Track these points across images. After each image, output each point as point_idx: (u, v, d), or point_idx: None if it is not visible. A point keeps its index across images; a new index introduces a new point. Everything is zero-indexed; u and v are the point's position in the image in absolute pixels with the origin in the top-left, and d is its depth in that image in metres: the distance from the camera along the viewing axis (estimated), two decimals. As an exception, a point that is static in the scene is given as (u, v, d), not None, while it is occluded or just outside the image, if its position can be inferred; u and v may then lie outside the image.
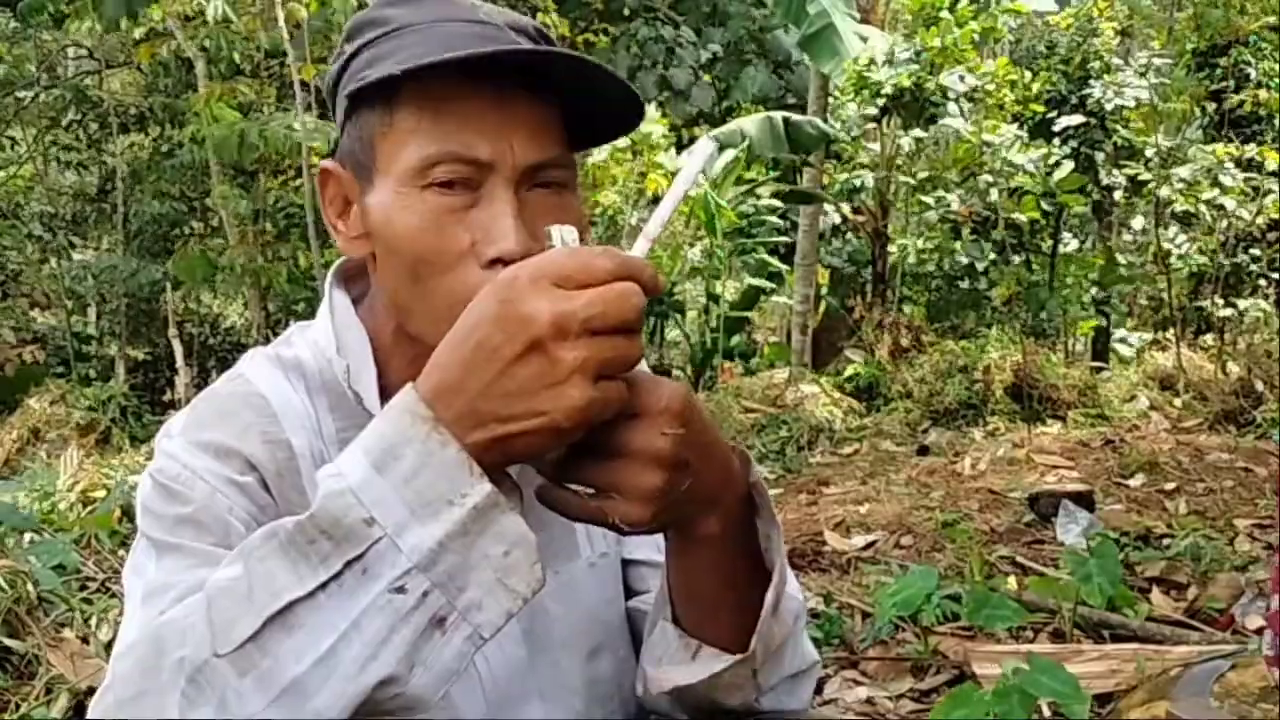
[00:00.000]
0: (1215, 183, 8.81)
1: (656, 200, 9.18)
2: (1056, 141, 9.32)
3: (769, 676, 1.02)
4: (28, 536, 3.30)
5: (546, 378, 0.74)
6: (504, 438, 0.76)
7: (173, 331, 9.00)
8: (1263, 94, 9.86)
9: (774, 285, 10.54)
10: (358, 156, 1.02)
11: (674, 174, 9.29)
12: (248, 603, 0.76)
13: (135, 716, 0.78)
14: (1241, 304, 9.37)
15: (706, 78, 12.73)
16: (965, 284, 10.58)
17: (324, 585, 0.75)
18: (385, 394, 1.07)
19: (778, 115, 9.59)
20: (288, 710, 0.75)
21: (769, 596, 0.96)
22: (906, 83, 8.74)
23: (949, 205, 9.51)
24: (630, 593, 1.20)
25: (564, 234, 0.83)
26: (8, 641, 2.66)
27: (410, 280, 0.99)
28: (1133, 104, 9.26)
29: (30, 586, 2.81)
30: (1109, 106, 9.26)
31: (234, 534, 0.96)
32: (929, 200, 9.60)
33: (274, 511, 1.00)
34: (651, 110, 9.53)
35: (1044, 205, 9.19)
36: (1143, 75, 9.34)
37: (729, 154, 9.03)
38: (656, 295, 0.79)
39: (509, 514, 0.77)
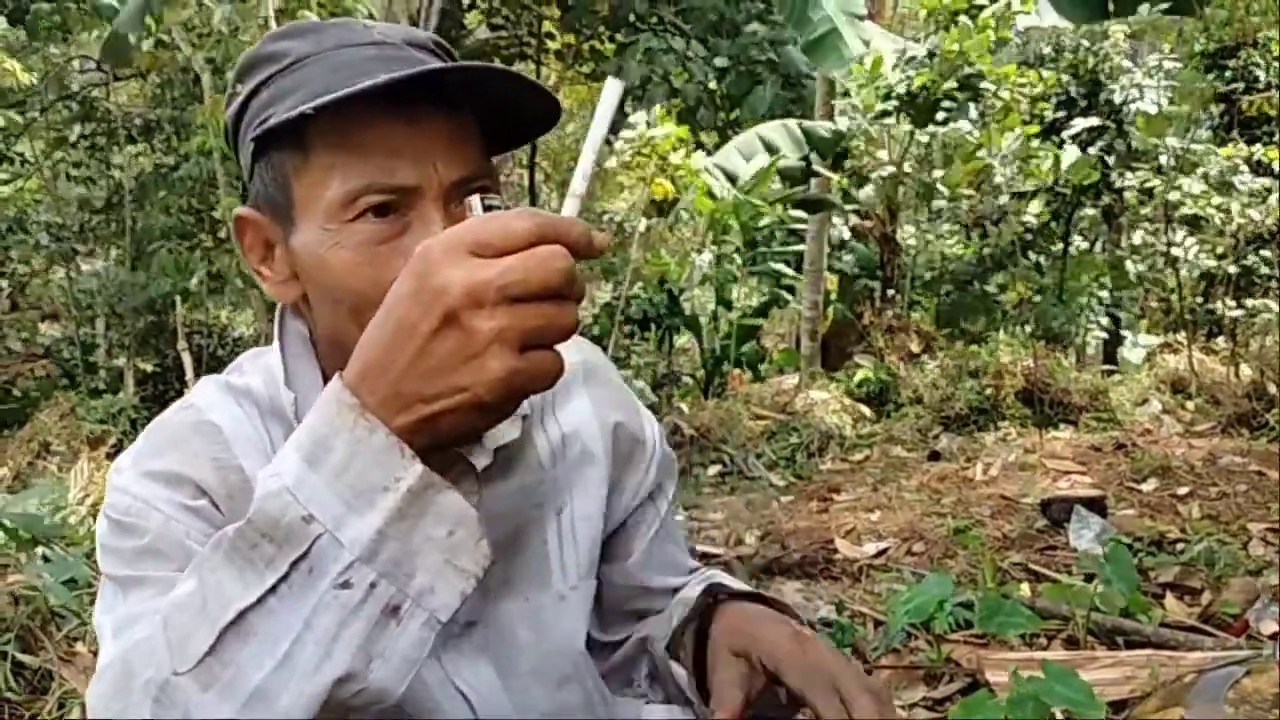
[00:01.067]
0: (1229, 187, 8.78)
1: (670, 205, 9.19)
2: (1067, 145, 9.29)
3: None
4: (40, 550, 3.31)
5: (464, 351, 0.71)
6: (429, 418, 0.74)
7: (182, 344, 9.03)
8: (1270, 97, 9.85)
9: (790, 297, 10.54)
10: (274, 198, 1.00)
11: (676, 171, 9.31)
12: (202, 616, 0.76)
13: None
14: (1252, 304, 9.34)
15: (713, 84, 12.72)
16: (975, 288, 10.57)
17: (273, 589, 0.75)
18: None
19: (792, 122, 9.60)
20: (256, 716, 0.75)
21: None
22: (921, 83, 8.70)
23: (958, 208, 9.49)
24: (633, 616, 1.24)
25: (484, 201, 0.81)
26: (21, 656, 2.66)
27: (351, 316, 0.97)
28: (1153, 109, 9.23)
29: (43, 601, 2.81)
30: (1130, 110, 9.23)
31: (194, 558, 0.94)
32: (938, 206, 9.59)
33: None
34: (658, 110, 9.53)
35: (1051, 199, 9.17)
36: (1152, 77, 9.32)
37: (759, 161, 9.02)
38: (590, 257, 0.75)
39: (446, 493, 0.75)
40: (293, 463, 0.75)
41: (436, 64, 0.98)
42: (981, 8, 8.80)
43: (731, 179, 9.07)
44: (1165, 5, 7.11)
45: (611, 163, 9.03)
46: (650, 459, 1.22)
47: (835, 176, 9.66)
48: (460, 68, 0.93)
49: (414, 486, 0.74)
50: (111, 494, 1.01)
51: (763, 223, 9.35)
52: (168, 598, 0.80)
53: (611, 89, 0.85)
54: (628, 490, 1.20)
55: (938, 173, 9.55)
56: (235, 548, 0.76)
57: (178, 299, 9.99)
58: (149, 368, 12.52)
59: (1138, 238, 9.88)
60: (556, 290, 0.72)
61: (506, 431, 1.10)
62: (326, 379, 1.05)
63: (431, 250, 0.73)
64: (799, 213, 9.43)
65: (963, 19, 8.81)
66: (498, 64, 0.99)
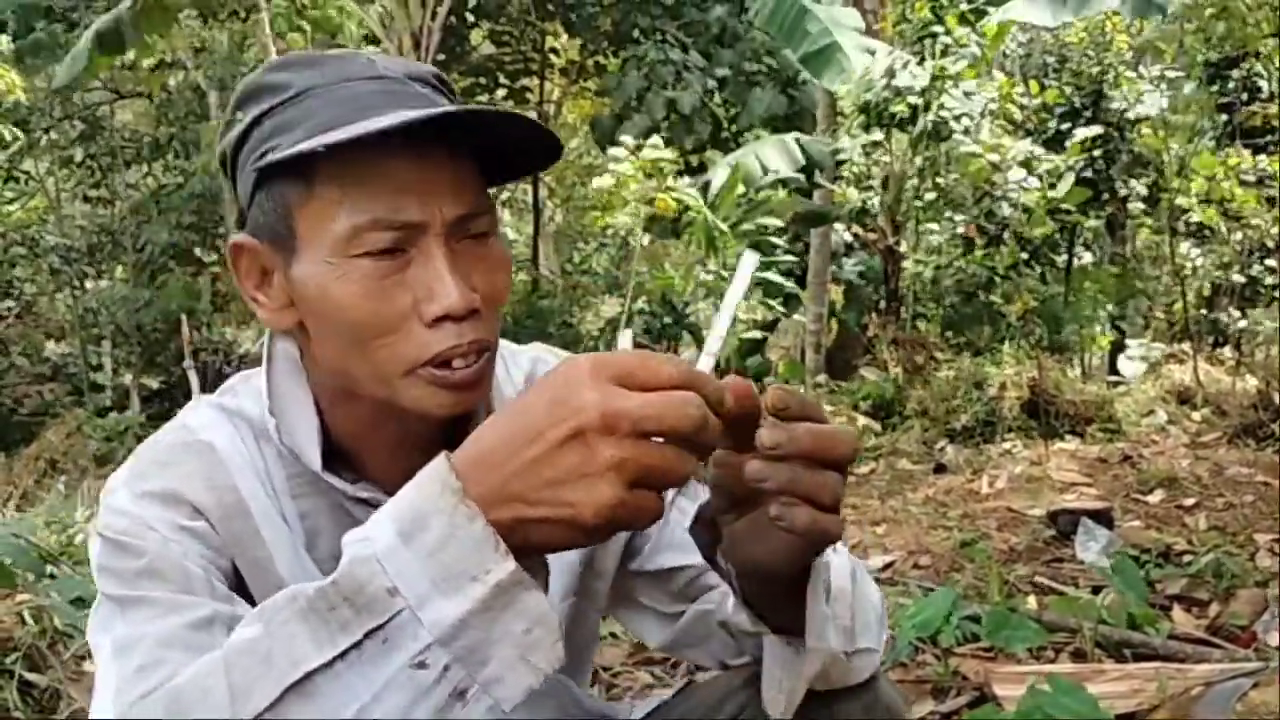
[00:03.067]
0: (1231, 194, 8.77)
1: (674, 227, 9.19)
2: (1071, 153, 9.28)
3: (869, 630, 1.06)
4: (47, 570, 3.31)
5: (582, 470, 0.73)
6: (526, 520, 0.75)
7: (188, 361, 9.04)
8: (1273, 108, 9.85)
9: (784, 310, 10.52)
10: (274, 228, 1.01)
11: (684, 204, 9.31)
12: (266, 667, 0.76)
13: None
14: (1257, 315, 9.33)
15: (717, 100, 12.75)
16: (980, 299, 10.56)
17: (343, 654, 0.75)
18: (331, 448, 1.08)
19: (789, 137, 9.60)
20: None
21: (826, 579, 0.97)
22: (903, 108, 8.71)
23: (956, 226, 9.49)
24: (685, 597, 1.22)
25: (634, 338, 0.85)
26: (29, 676, 2.66)
27: (353, 347, 0.99)
28: (1155, 112, 9.22)
29: (50, 620, 2.81)
30: (1130, 116, 9.22)
31: (193, 579, 0.97)
32: (936, 223, 9.58)
33: (227, 552, 1.02)
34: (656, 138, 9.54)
35: (1053, 222, 9.17)
36: (1156, 88, 9.32)
37: (722, 174, 9.05)
38: (724, 417, 0.77)
39: (532, 591, 0.76)
40: (387, 533, 0.76)
41: (445, 103, 1.00)
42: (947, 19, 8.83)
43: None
44: None
45: (608, 180, 9.03)
46: None
47: (837, 189, 9.67)
48: (477, 111, 0.95)
49: (503, 582, 0.75)
50: (106, 514, 1.01)
51: (759, 231, 9.35)
52: (229, 641, 0.80)
53: (747, 261, 0.87)
54: None
55: (932, 195, 9.54)
56: (313, 606, 0.77)
57: (183, 317, 10.01)
58: (155, 385, 12.55)
59: (1141, 244, 9.88)
60: (684, 436, 0.74)
61: None
62: (321, 403, 1.07)
63: (580, 368, 0.75)
64: (776, 221, 9.45)
65: (938, 29, 8.83)
66: (500, 92, 1.01)
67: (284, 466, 1.08)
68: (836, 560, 0.99)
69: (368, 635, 0.75)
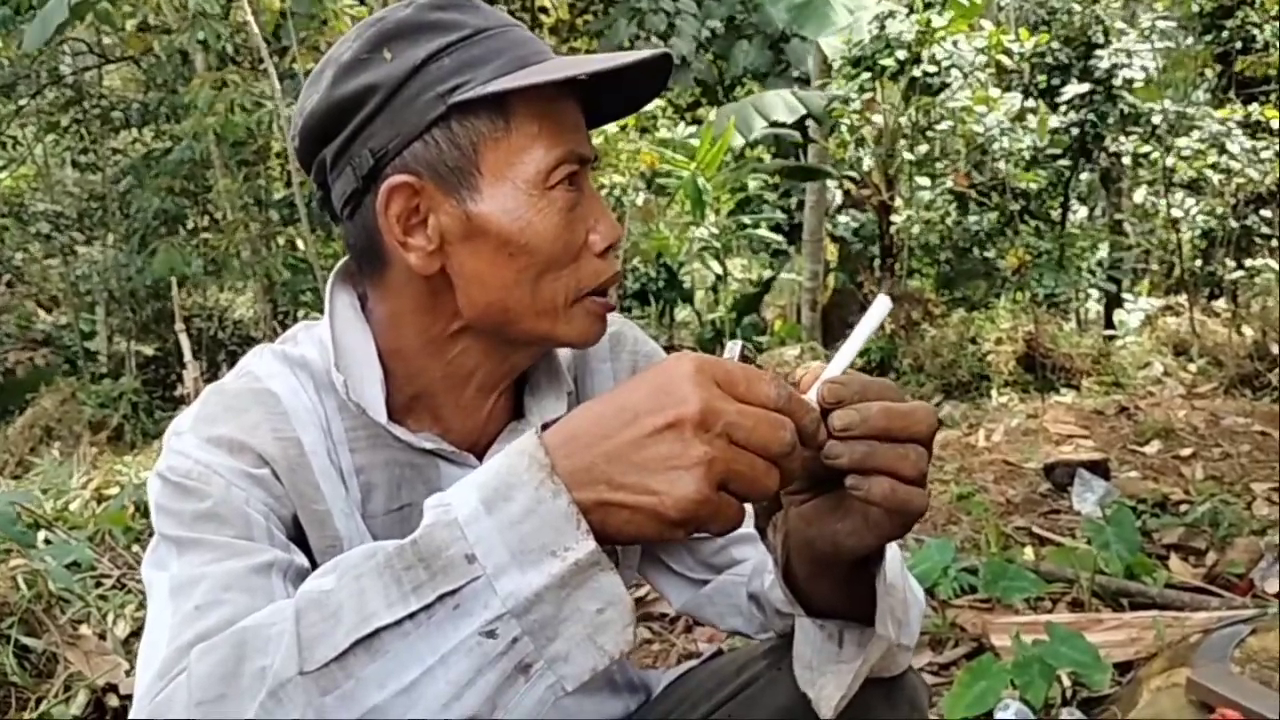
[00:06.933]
0: (1222, 150, 8.71)
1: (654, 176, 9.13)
2: (1061, 110, 9.21)
3: (910, 628, 1.07)
4: (42, 535, 3.31)
5: (672, 460, 0.73)
6: (608, 504, 0.75)
7: (179, 326, 8.99)
8: (1269, 57, 9.78)
9: (775, 261, 10.50)
10: (453, 164, 1.01)
11: (678, 147, 9.26)
12: (335, 620, 0.75)
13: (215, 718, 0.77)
14: (1252, 265, 9.29)
15: (709, 57, 12.65)
16: (975, 254, 10.53)
17: (413, 615, 0.75)
18: (400, 400, 1.10)
19: (786, 92, 9.55)
20: None
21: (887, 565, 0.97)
22: (891, 62, 8.65)
23: (945, 183, 9.44)
24: (712, 567, 1.27)
25: (742, 351, 0.87)
26: (26, 640, 2.66)
27: (533, 279, 1.03)
28: (1142, 76, 9.13)
29: (47, 585, 2.81)
30: (1117, 81, 9.13)
31: (254, 526, 0.98)
32: (926, 178, 9.53)
33: (289, 503, 1.03)
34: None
35: (1045, 175, 9.14)
36: (1147, 39, 9.23)
37: (757, 129, 8.99)
38: (813, 447, 0.79)
39: (608, 572, 0.76)
40: (470, 500, 0.76)
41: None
42: None
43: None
44: None
45: (598, 137, 8.99)
46: None
47: (830, 144, 9.62)
48: (665, 55, 1.03)
49: (581, 561, 0.74)
50: (170, 456, 1.02)
51: (750, 187, 9.31)
52: (301, 590, 0.79)
53: (881, 304, 0.87)
54: None
55: (923, 147, 9.48)
56: (389, 563, 0.76)
57: (174, 282, 9.97)
58: (150, 351, 12.51)
59: (1138, 197, 9.82)
60: (771, 455, 0.75)
61: (553, 408, 1.15)
62: (398, 349, 1.09)
63: (686, 364, 0.76)
64: (765, 178, 9.41)
65: None
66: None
67: (344, 419, 1.09)
68: (891, 553, 0.99)
69: (440, 599, 0.75)
